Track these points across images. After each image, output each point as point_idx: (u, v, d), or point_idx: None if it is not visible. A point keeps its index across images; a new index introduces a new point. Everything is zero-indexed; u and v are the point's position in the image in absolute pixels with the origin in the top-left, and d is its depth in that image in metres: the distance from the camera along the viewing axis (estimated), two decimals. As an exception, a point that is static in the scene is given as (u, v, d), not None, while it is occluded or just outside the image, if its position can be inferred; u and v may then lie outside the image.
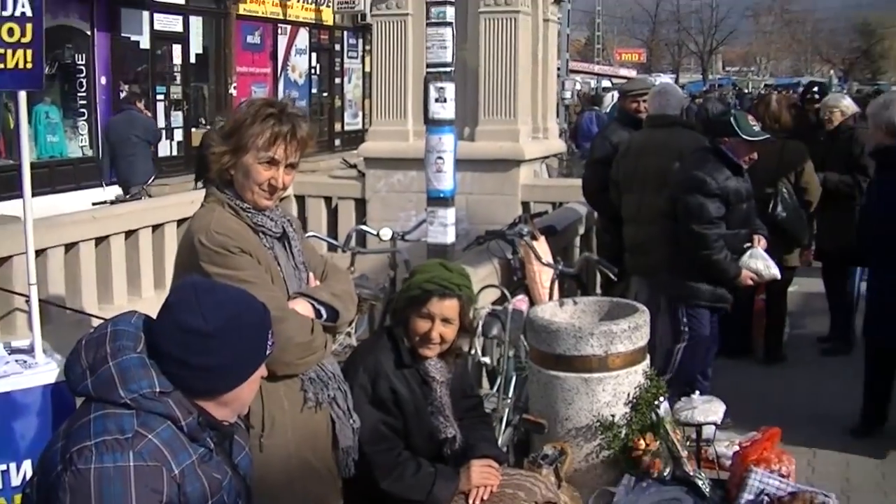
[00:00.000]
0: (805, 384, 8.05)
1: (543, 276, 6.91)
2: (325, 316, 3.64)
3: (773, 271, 6.76)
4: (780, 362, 8.56)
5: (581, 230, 9.80)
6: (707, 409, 5.92)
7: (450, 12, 6.56)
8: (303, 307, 3.59)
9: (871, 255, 6.93)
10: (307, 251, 3.87)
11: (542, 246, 7.13)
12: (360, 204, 12.21)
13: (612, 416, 5.27)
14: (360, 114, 31.86)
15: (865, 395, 6.92)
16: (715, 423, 5.91)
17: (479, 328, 5.82)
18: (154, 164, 15.13)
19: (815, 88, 11.88)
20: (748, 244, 6.76)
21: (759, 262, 6.71)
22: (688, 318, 6.78)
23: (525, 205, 11.22)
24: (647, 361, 5.54)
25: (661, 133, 7.54)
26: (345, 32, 31.14)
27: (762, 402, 7.39)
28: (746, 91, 56.02)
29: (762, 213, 7.68)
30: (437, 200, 6.63)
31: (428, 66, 6.64)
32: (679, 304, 6.78)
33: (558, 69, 29.61)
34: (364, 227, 8.59)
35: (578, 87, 35.45)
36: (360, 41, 31.77)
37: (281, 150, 3.52)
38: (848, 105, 8.88)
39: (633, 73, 53.50)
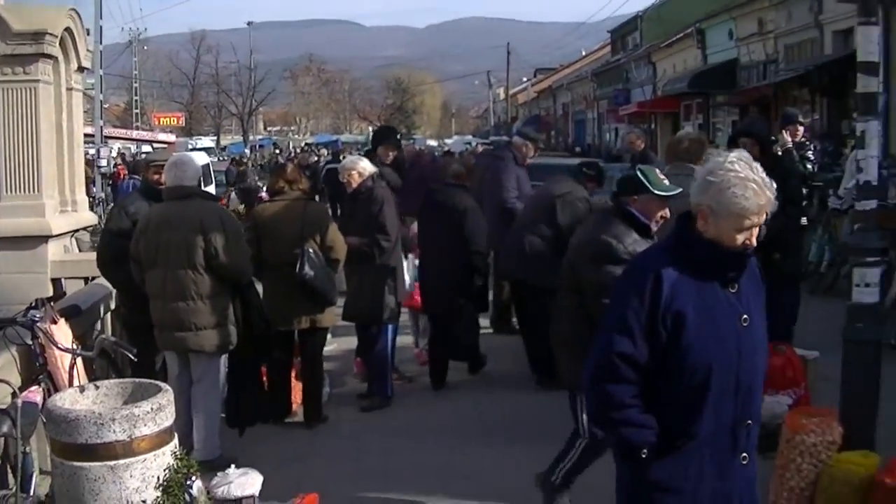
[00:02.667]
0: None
1: (64, 361, 6.57)
2: None
3: None
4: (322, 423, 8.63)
5: (112, 305, 9.47)
6: (244, 483, 5.86)
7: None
8: None
9: None
10: None
11: (60, 329, 6.76)
12: None
13: (144, 501, 5.07)
14: None
15: None
16: (253, 496, 5.86)
17: (-13, 426, 5.40)
18: None
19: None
20: None
21: None
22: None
23: (56, 281, 10.71)
24: (176, 441, 5.38)
25: (178, 205, 7.39)
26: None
27: (303, 467, 7.42)
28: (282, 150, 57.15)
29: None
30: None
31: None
32: (579, 393, 5.85)
33: (91, 136, 28.85)
34: None
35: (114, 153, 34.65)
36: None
37: None
38: (364, 167, 9.13)
39: (172, 138, 53.12)
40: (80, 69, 12.01)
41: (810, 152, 11.04)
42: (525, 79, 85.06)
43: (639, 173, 6.08)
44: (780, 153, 9.53)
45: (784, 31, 28.24)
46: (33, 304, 6.84)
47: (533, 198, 10.22)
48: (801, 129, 11.04)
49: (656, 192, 5.94)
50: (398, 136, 10.20)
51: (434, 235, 9.55)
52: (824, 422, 6.39)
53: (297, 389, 8.76)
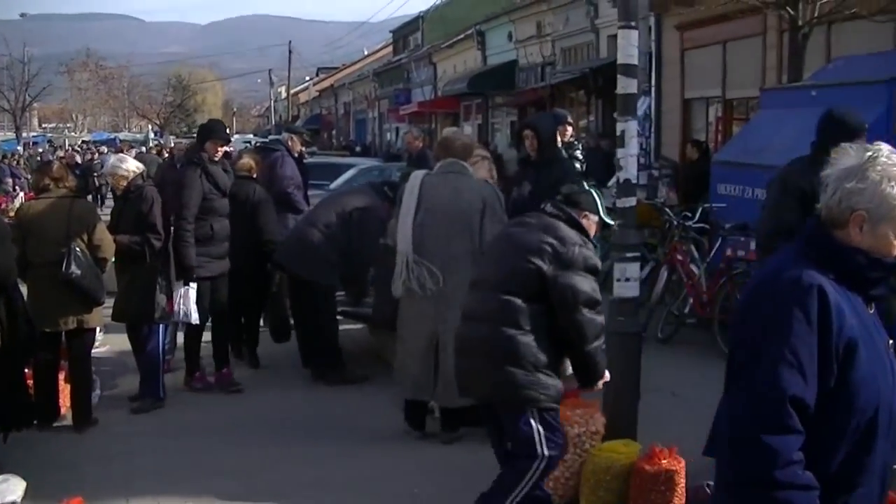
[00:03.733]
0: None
1: None
2: None
3: None
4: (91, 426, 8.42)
5: None
6: (5, 490, 5.74)
7: None
8: None
9: None
10: None
11: None
12: None
13: None
14: None
15: None
16: (15, 501, 5.73)
17: None
18: None
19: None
20: None
21: None
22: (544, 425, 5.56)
23: None
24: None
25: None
26: None
27: (72, 472, 7.23)
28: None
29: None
30: None
31: None
32: (528, 407, 5.51)
33: None
34: None
35: None
36: None
37: None
38: (129, 167, 8.91)
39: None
40: None
41: (578, 151, 11.44)
42: (308, 77, 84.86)
43: (595, 194, 6.36)
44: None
45: (561, 34, 29.21)
46: None
47: (329, 200, 10.46)
48: (569, 129, 11.45)
49: (602, 216, 6.21)
50: (226, 130, 10.02)
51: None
52: (587, 412, 6.68)
53: (65, 392, 8.52)
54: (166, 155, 29.03)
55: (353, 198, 9.81)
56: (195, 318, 8.99)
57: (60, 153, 43.60)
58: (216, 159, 9.28)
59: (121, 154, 13.77)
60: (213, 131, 9.50)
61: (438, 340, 7.53)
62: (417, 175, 7.97)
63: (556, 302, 5.50)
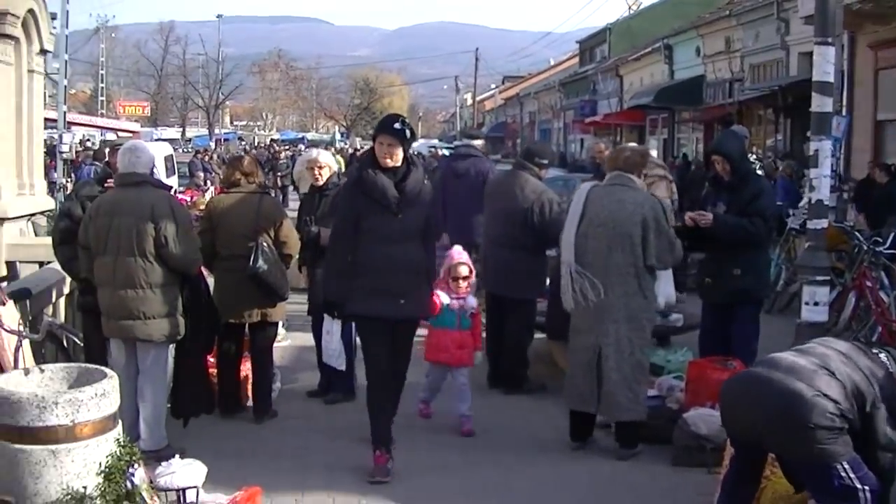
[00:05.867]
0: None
1: (10, 343, 6.54)
2: None
3: None
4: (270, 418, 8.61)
5: (66, 290, 9.43)
6: (188, 473, 5.88)
7: None
8: None
9: None
10: None
11: (8, 311, 6.75)
12: None
13: (84, 487, 5.07)
14: None
15: None
16: (196, 487, 5.87)
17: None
18: None
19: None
20: None
21: None
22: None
23: (10, 264, 10.65)
24: (119, 429, 5.38)
25: (131, 192, 7.32)
26: None
27: (248, 461, 7.38)
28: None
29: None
30: None
31: None
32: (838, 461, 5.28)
33: (54, 121, 28.65)
34: None
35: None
36: None
37: None
38: (331, 161, 9.24)
39: (137, 127, 52.85)
40: (43, 52, 11.94)
41: (758, 169, 11.20)
42: (493, 85, 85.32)
43: None
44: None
45: (750, 50, 28.56)
46: (-20, 286, 6.82)
47: (495, 212, 9.88)
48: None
49: None
50: None
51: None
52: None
53: (246, 383, 8.75)
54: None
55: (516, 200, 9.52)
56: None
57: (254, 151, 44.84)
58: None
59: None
60: (116, 144, 9.25)
61: (600, 352, 7.50)
62: (585, 186, 7.97)
63: None
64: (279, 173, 33.73)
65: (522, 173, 9.56)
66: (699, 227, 8.32)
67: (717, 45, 31.36)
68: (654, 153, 19.10)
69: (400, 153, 7.02)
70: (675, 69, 36.00)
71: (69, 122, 34.38)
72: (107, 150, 9.30)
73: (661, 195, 10.87)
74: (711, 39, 32.00)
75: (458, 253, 8.51)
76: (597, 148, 14.97)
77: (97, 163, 22.38)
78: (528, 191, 9.37)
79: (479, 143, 12.18)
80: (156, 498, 5.53)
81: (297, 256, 8.94)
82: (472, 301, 8.47)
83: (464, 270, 8.35)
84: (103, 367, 5.74)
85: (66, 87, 32.50)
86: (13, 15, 10.44)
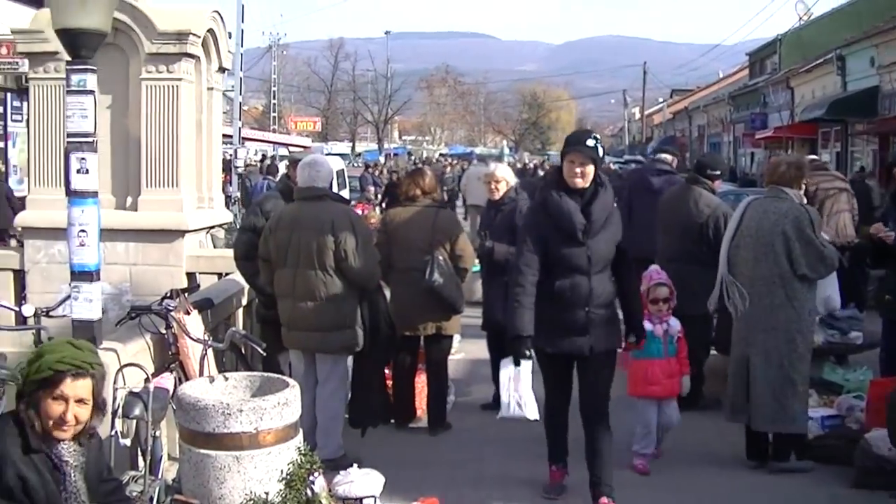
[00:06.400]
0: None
1: (195, 351, 6.72)
2: None
3: None
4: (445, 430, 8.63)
5: (244, 301, 9.65)
6: (365, 483, 5.90)
7: (91, 80, 6.27)
8: None
9: None
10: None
11: (193, 320, 6.93)
12: (19, 275, 11.51)
13: (266, 493, 5.13)
14: (27, 180, 30.26)
15: None
16: (374, 496, 5.89)
17: (121, 409, 5.55)
18: None
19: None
20: None
21: None
22: None
23: (190, 276, 10.95)
24: (300, 437, 5.46)
25: (311, 206, 7.46)
26: (8, 94, 29.64)
27: (424, 472, 7.43)
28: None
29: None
30: (81, 275, 6.27)
31: (69, 135, 6.32)
32: None
33: (229, 137, 29.46)
34: (1, 303, 8.22)
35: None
36: (26, 104, 30.22)
37: None
38: (509, 176, 9.23)
39: (308, 142, 53.95)
40: (221, 70, 12.27)
41: None
42: (661, 99, 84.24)
43: None
44: None
45: (929, 60, 27.43)
46: (168, 295, 7.02)
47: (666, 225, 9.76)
48: None
49: None
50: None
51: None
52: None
53: (421, 395, 8.81)
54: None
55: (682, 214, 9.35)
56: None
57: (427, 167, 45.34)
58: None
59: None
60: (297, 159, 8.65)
61: (749, 363, 7.42)
62: (745, 200, 7.92)
63: None
64: (445, 187, 34.06)
65: (696, 187, 9.38)
66: (884, 243, 8.02)
67: (892, 55, 30.21)
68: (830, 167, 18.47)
69: (591, 173, 6.47)
70: (848, 80, 34.79)
71: (243, 138, 35.35)
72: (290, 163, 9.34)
73: (843, 208, 10.58)
74: (886, 49, 30.84)
75: (657, 272, 8.06)
76: (773, 162, 14.61)
77: (270, 177, 22.97)
78: (703, 205, 9.20)
79: (669, 157, 11.72)
80: (336, 506, 5.57)
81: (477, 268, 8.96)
82: (676, 324, 7.94)
83: (664, 292, 7.87)
84: (285, 377, 5.84)
85: (241, 103, 33.41)
86: (195, 35, 10.77)
